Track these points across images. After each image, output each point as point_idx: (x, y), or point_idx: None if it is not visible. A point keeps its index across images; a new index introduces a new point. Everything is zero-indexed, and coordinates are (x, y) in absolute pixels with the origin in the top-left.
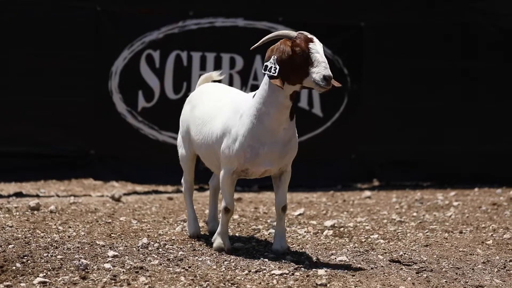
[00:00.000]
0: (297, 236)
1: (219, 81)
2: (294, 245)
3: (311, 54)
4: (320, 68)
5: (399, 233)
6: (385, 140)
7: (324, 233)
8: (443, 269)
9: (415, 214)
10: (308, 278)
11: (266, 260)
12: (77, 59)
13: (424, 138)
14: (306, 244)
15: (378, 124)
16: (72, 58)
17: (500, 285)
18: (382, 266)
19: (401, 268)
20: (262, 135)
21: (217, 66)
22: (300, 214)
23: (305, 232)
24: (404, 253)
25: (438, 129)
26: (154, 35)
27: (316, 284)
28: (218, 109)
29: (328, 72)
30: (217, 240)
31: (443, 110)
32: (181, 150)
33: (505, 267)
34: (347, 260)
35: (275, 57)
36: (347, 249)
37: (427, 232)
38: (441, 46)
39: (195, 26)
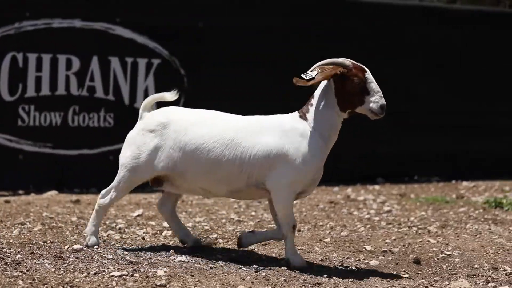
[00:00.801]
0: (136, 237)
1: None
2: (133, 246)
3: (367, 84)
4: (377, 98)
5: (238, 233)
6: None
7: (163, 234)
8: (282, 268)
9: (253, 213)
10: (147, 279)
11: (105, 262)
12: None
13: None
14: (145, 245)
15: None
16: None
17: (338, 282)
18: (221, 266)
19: (240, 267)
20: (323, 157)
21: (53, 68)
22: (138, 215)
23: (144, 233)
24: (243, 252)
25: None
26: None
27: (156, 284)
28: (246, 133)
29: (384, 101)
30: (297, 259)
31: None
32: (129, 174)
33: (342, 264)
34: (187, 260)
35: (319, 70)
36: (186, 249)
37: None
38: (285, 48)
39: (31, 27)
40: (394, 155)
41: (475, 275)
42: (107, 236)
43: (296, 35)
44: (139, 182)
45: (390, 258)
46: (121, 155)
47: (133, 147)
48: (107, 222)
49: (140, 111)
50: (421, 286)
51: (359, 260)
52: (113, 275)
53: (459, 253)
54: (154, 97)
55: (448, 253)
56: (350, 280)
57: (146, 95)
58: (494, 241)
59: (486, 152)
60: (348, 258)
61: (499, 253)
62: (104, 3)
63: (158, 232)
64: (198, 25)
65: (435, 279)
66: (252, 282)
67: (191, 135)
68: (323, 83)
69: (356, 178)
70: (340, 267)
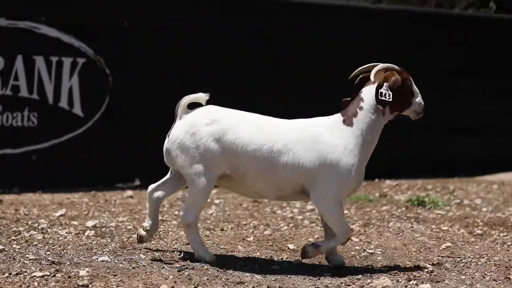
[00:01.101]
0: (58, 237)
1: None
2: (56, 246)
3: (413, 86)
4: (419, 99)
5: (161, 232)
6: (146, 140)
7: (86, 234)
8: (205, 267)
9: (176, 212)
10: (69, 279)
11: (27, 262)
12: None
13: None
14: (68, 245)
15: (139, 124)
16: None
17: (261, 280)
18: (144, 265)
19: (163, 267)
20: (365, 162)
21: None
22: (61, 215)
23: (66, 233)
24: (166, 252)
25: None
26: None
27: (78, 285)
28: (297, 139)
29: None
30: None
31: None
32: (201, 180)
33: (266, 263)
34: (109, 260)
35: (387, 84)
36: (109, 249)
37: None
38: (209, 49)
39: None
40: None
41: (397, 273)
42: (29, 236)
43: (220, 35)
44: (214, 183)
45: None
46: (181, 164)
47: (190, 152)
48: (29, 223)
49: (178, 111)
50: (343, 285)
51: (282, 258)
52: (35, 276)
53: (381, 251)
54: (190, 97)
55: (370, 251)
56: (273, 279)
57: (70, 94)
58: (416, 239)
59: (409, 150)
60: (271, 256)
61: (421, 251)
62: (29, 2)
63: (81, 232)
64: (124, 24)
65: (357, 277)
66: (175, 282)
67: (247, 137)
68: (372, 87)
69: None
70: (263, 266)
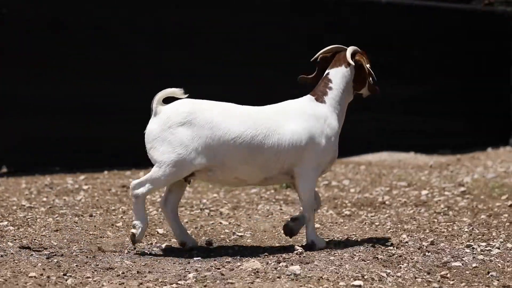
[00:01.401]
0: None
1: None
2: None
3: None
4: (372, 78)
5: (29, 219)
6: (13, 127)
7: None
8: (74, 253)
9: (45, 199)
10: None
11: None
12: None
13: (66, 125)
14: None
15: (6, 111)
16: None
17: (131, 266)
18: (12, 253)
19: (31, 254)
20: (338, 136)
21: None
22: None
23: None
24: (34, 239)
25: (90, 117)
26: None
27: None
28: (278, 121)
29: None
30: (321, 241)
31: (92, 98)
32: (171, 170)
33: (135, 249)
34: None
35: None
36: None
37: (57, 217)
38: (85, 36)
39: None
40: None
41: (266, 255)
42: None
43: (93, 25)
44: (181, 177)
45: None
46: (154, 153)
47: (166, 143)
48: None
49: (154, 106)
50: (213, 268)
51: (151, 243)
52: None
53: (251, 234)
54: (165, 92)
55: (240, 234)
56: (143, 264)
57: None
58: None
59: None
60: (140, 242)
61: None
62: None
63: None
64: (2, 11)
65: (227, 260)
66: (44, 269)
67: (226, 125)
68: (340, 69)
69: (148, 161)
70: (133, 251)
